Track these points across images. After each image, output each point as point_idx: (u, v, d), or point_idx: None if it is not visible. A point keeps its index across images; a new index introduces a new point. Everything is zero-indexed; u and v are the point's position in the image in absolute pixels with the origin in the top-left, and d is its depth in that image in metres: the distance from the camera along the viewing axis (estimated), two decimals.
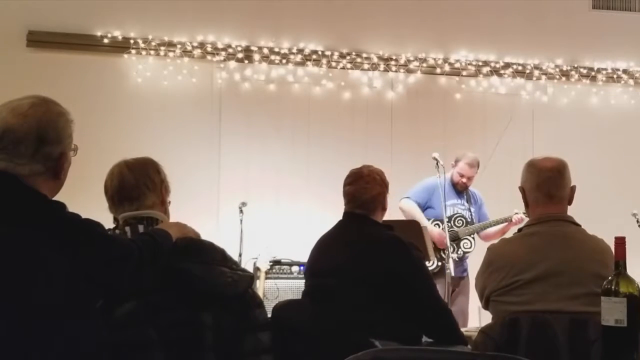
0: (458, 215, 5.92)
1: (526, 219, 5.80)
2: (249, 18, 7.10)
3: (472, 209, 6.05)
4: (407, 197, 5.96)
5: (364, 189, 3.41)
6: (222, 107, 7.03)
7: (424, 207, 5.95)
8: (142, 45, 6.85)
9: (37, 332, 1.99)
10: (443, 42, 7.42)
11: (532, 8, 7.59)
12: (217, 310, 2.48)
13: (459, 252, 5.84)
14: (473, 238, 5.95)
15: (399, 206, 5.85)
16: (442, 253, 5.75)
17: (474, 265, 5.61)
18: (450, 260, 5.45)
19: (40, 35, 6.69)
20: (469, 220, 5.98)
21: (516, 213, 5.83)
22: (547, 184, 2.95)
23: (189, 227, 2.62)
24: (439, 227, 5.80)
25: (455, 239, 5.83)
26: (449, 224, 5.82)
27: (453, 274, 5.46)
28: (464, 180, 5.95)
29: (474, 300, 3.17)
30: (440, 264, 5.71)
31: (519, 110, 7.55)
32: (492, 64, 7.45)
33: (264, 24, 7.12)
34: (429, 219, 5.86)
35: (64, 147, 2.21)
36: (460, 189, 6.00)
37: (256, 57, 7.05)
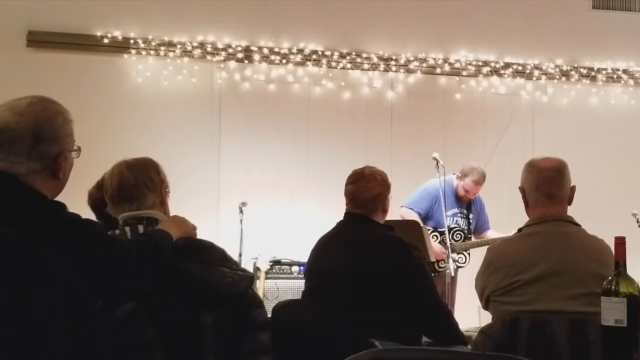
0: (457, 229, 5.83)
1: None
2: (249, 18, 7.11)
3: (471, 216, 5.99)
4: (410, 208, 5.84)
5: (365, 188, 3.41)
6: (222, 107, 7.03)
7: (425, 217, 5.87)
8: (142, 45, 6.85)
9: (37, 332, 1.99)
10: (443, 42, 7.42)
11: (532, 8, 7.59)
12: (217, 310, 2.48)
13: (453, 266, 5.65)
14: (468, 253, 5.84)
15: (399, 214, 5.77)
16: (437, 265, 5.72)
17: (472, 264, 5.61)
18: (450, 260, 5.44)
19: (40, 35, 6.69)
20: (467, 230, 5.91)
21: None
22: (547, 184, 2.95)
23: (187, 220, 2.62)
24: (437, 238, 5.75)
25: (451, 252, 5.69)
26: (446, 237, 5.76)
27: (453, 274, 5.45)
28: (468, 195, 5.91)
29: (473, 300, 3.16)
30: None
31: (519, 110, 7.56)
32: (492, 64, 7.46)
33: (264, 24, 7.12)
34: (427, 230, 5.76)
35: (62, 146, 2.21)
36: (461, 201, 5.96)
37: (256, 57, 7.05)
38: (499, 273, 2.89)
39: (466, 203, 5.98)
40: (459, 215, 5.92)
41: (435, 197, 5.80)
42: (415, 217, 5.78)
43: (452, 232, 5.79)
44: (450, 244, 5.67)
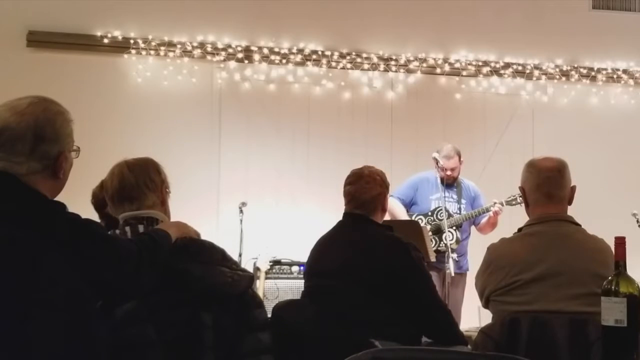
0: (440, 208, 5.81)
1: (503, 207, 5.86)
2: (249, 18, 7.10)
3: (463, 201, 5.98)
4: (391, 195, 5.91)
5: (364, 189, 3.41)
6: (222, 107, 7.03)
7: (409, 204, 5.96)
8: (142, 45, 6.85)
9: (38, 332, 1.99)
10: (443, 42, 7.41)
11: (532, 8, 7.59)
12: (217, 310, 2.48)
13: (440, 245, 5.70)
14: (455, 230, 5.84)
15: None
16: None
17: (474, 264, 5.61)
18: (451, 260, 5.43)
19: (40, 35, 6.69)
20: (455, 212, 5.90)
21: (494, 203, 5.81)
22: (547, 184, 2.95)
23: (190, 226, 2.61)
24: (422, 221, 5.80)
25: (438, 232, 5.76)
26: (432, 217, 5.82)
27: (453, 274, 5.45)
28: (449, 173, 5.88)
29: (473, 300, 3.17)
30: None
31: (519, 110, 7.56)
32: (492, 64, 7.45)
33: (264, 24, 7.12)
34: (412, 215, 5.85)
35: (62, 147, 2.21)
36: (449, 183, 5.91)
37: (256, 57, 7.05)
38: (499, 273, 2.89)
39: (456, 188, 5.96)
40: (446, 199, 5.89)
41: (416, 184, 5.99)
42: (395, 203, 5.80)
43: (436, 212, 5.84)
44: (434, 222, 5.79)
